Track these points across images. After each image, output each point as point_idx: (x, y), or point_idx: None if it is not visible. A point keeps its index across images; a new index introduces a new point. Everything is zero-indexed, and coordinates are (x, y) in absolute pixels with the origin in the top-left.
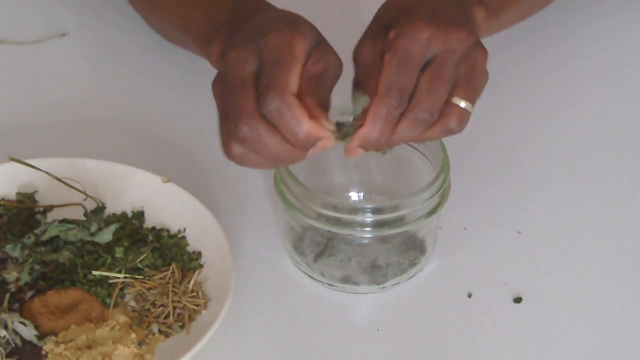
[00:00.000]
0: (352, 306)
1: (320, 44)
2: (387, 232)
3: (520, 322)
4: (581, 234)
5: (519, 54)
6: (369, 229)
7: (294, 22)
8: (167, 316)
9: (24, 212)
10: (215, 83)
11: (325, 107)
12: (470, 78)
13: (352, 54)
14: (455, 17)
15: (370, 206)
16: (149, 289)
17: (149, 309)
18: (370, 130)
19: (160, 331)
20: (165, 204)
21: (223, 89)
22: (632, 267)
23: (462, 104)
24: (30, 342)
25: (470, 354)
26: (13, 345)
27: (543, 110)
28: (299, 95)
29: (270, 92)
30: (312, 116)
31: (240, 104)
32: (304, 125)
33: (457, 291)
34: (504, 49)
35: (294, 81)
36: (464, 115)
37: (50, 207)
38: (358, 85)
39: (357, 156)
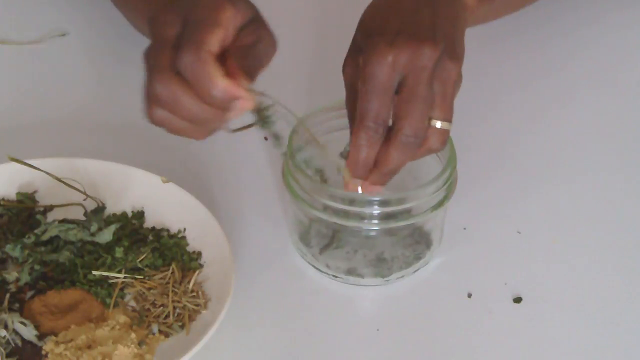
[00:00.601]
0: (354, 301)
1: (256, 20)
2: (393, 224)
3: (520, 322)
4: (581, 233)
5: (521, 54)
6: (375, 221)
7: None
8: (167, 316)
9: (24, 212)
10: (145, 50)
11: (249, 74)
12: (445, 95)
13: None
14: (423, 27)
15: (377, 199)
16: (149, 289)
17: (149, 309)
18: (354, 157)
19: (160, 331)
20: (165, 204)
21: (146, 54)
22: (632, 267)
23: (438, 125)
24: (30, 342)
25: (470, 354)
26: (13, 345)
27: (543, 110)
28: (223, 60)
29: (185, 47)
30: (230, 76)
31: (155, 62)
32: (219, 82)
33: (457, 291)
34: (507, 49)
35: (212, 41)
36: (444, 134)
37: (50, 207)
38: (348, 103)
39: (357, 191)
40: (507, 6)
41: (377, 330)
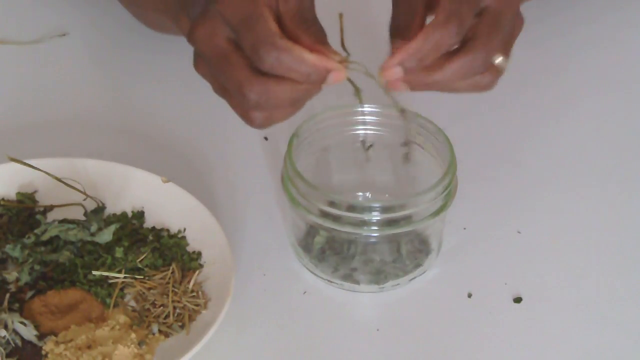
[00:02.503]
0: (354, 301)
1: None
2: (391, 231)
3: (520, 322)
4: (581, 234)
5: (521, 53)
6: (374, 227)
7: None
8: (167, 316)
9: (24, 212)
10: (197, 65)
11: (321, 38)
12: (511, 39)
13: None
14: None
15: (375, 205)
16: (149, 289)
17: (149, 309)
18: (415, 47)
19: (160, 331)
20: (165, 204)
21: (208, 69)
22: (632, 267)
23: (498, 60)
24: (30, 342)
25: (470, 354)
26: (13, 345)
27: (543, 110)
28: (294, 39)
29: (261, 48)
30: (314, 52)
31: (235, 76)
32: (310, 60)
33: (457, 291)
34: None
35: (274, 27)
36: (499, 74)
37: (50, 207)
38: (398, 21)
39: (390, 78)
40: None
41: (377, 330)
